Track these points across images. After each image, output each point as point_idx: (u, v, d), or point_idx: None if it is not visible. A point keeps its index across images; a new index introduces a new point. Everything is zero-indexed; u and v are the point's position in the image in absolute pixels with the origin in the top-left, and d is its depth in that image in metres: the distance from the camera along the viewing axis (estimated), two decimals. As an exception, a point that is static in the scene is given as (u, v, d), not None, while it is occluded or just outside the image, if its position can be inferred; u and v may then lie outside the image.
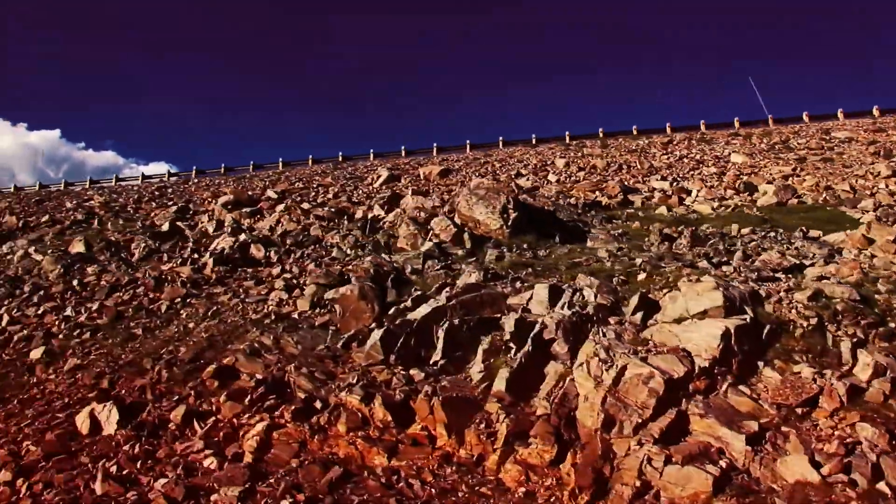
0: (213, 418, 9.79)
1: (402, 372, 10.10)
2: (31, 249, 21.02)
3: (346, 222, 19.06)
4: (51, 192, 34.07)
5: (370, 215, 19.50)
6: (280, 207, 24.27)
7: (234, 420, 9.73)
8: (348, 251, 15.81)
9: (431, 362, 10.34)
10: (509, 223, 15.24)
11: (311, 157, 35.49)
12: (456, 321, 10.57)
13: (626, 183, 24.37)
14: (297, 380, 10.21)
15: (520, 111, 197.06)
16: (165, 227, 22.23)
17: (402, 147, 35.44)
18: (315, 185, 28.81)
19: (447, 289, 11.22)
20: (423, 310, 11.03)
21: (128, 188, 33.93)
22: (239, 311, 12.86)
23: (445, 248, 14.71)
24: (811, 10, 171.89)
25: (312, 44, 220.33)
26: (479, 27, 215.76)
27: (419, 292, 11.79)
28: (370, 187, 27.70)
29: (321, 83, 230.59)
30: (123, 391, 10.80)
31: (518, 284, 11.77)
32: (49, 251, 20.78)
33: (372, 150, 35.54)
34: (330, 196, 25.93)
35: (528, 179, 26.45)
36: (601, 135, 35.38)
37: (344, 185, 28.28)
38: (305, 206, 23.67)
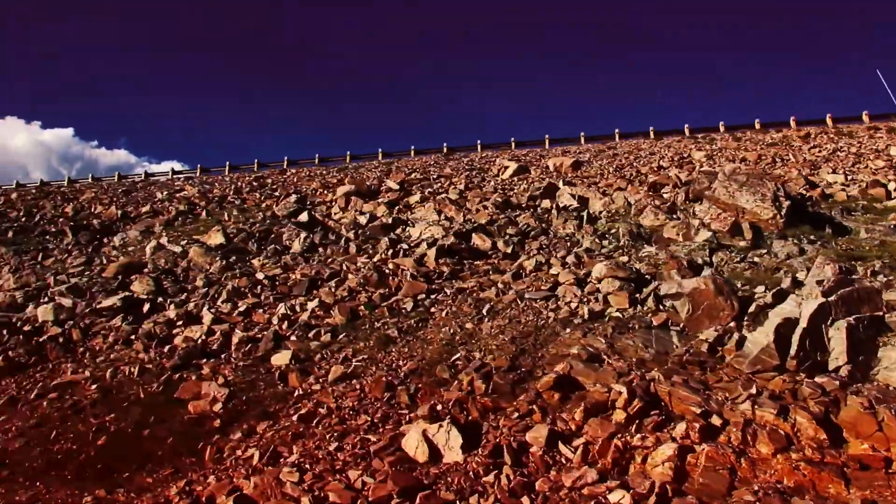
0: (582, 440, 8.45)
1: (806, 380, 8.76)
2: (164, 241, 19.67)
3: (554, 212, 17.62)
4: (135, 183, 32.84)
5: (562, 205, 18.12)
6: (414, 199, 22.92)
7: (616, 442, 8.38)
8: (597, 240, 14.44)
9: (832, 368, 9.01)
10: (783, 212, 13.86)
11: (413, 147, 34.85)
12: (852, 320, 9.22)
13: (802, 175, 23.05)
14: (674, 391, 8.89)
15: (519, 111, 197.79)
16: (304, 217, 20.95)
17: (512, 139, 34.76)
18: (435, 176, 27.48)
19: (819, 284, 9.84)
20: (791, 307, 9.72)
21: (218, 179, 32.72)
22: (528, 310, 11.46)
23: (720, 239, 13.36)
24: (811, 9, 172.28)
25: (312, 44, 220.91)
26: (479, 27, 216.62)
27: (763, 287, 10.41)
28: (498, 178, 26.39)
29: (321, 83, 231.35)
30: (439, 406, 9.42)
31: (882, 278, 10.42)
32: (183, 242, 19.46)
33: (479, 142, 34.69)
34: (461, 186, 24.58)
35: (676, 172, 25.12)
36: (722, 128, 34.22)
37: (469, 176, 26.95)
38: (452, 195, 22.30)
